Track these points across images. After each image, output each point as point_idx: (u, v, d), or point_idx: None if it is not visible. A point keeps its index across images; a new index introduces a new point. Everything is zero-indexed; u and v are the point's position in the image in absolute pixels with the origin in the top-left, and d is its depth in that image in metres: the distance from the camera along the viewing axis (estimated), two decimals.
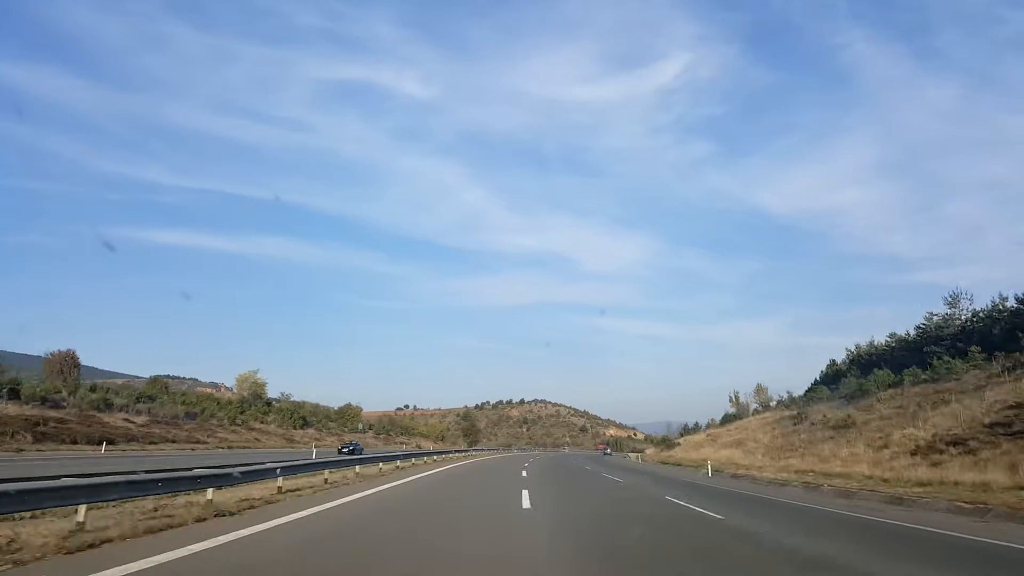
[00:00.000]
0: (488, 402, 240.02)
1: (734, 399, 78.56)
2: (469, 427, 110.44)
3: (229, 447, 44.38)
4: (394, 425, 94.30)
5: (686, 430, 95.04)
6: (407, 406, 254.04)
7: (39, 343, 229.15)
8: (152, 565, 5.59)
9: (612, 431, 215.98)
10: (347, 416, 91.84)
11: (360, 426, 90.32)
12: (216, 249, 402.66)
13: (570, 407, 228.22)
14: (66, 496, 7.06)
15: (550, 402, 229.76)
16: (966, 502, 13.42)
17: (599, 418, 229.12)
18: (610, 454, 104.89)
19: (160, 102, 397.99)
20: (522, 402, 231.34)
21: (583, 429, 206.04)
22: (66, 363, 47.76)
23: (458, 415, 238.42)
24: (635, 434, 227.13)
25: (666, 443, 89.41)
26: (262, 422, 64.54)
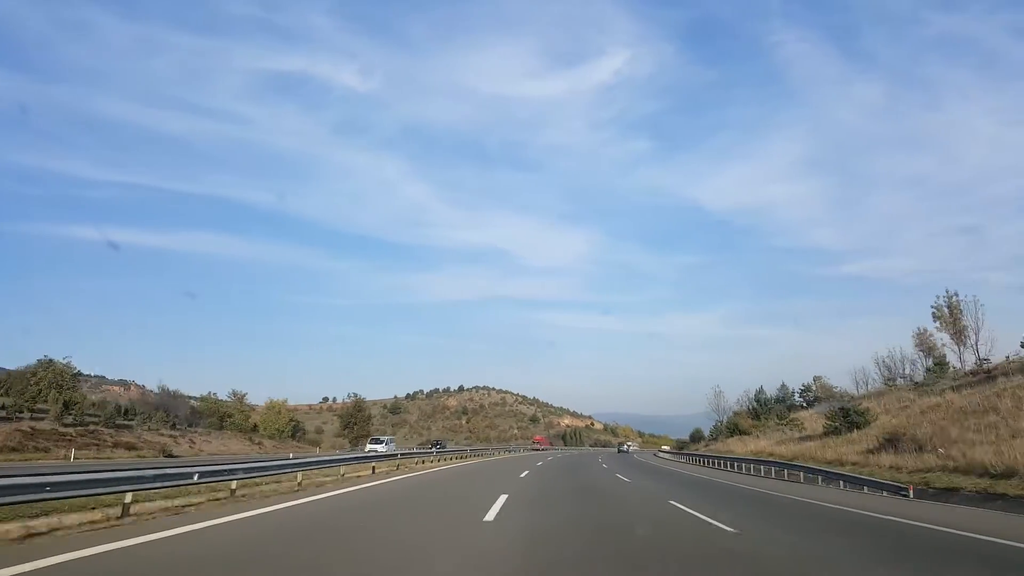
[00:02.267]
0: (422, 391, 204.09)
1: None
2: (355, 416, 73.97)
3: None
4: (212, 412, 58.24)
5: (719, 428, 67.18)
6: (326, 399, 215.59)
7: None
8: None
9: (567, 421, 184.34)
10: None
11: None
12: (145, 246, 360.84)
13: (518, 395, 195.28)
14: None
15: (495, 389, 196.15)
16: None
17: (551, 406, 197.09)
18: (626, 451, 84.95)
19: (83, 92, 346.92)
20: (461, 390, 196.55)
21: (534, 419, 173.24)
22: None
23: (384, 407, 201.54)
24: (592, 423, 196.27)
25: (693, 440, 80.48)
26: None
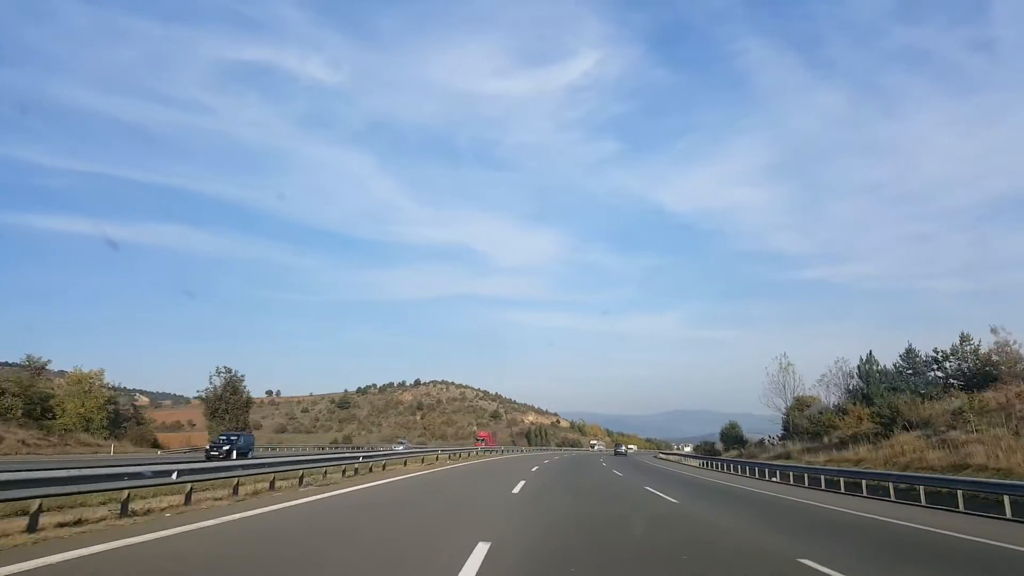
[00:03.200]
0: (374, 385, 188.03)
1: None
2: (226, 401, 53.42)
3: None
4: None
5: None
6: (271, 392, 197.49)
7: None
8: None
9: (532, 417, 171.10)
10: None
11: None
12: (105, 236, 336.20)
13: (479, 390, 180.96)
14: None
15: (453, 383, 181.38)
16: None
17: (515, 403, 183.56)
18: (624, 453, 73.04)
19: (42, 78, 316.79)
20: (417, 384, 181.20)
21: (495, 415, 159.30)
22: None
23: (332, 401, 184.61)
24: (558, 421, 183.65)
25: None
26: None
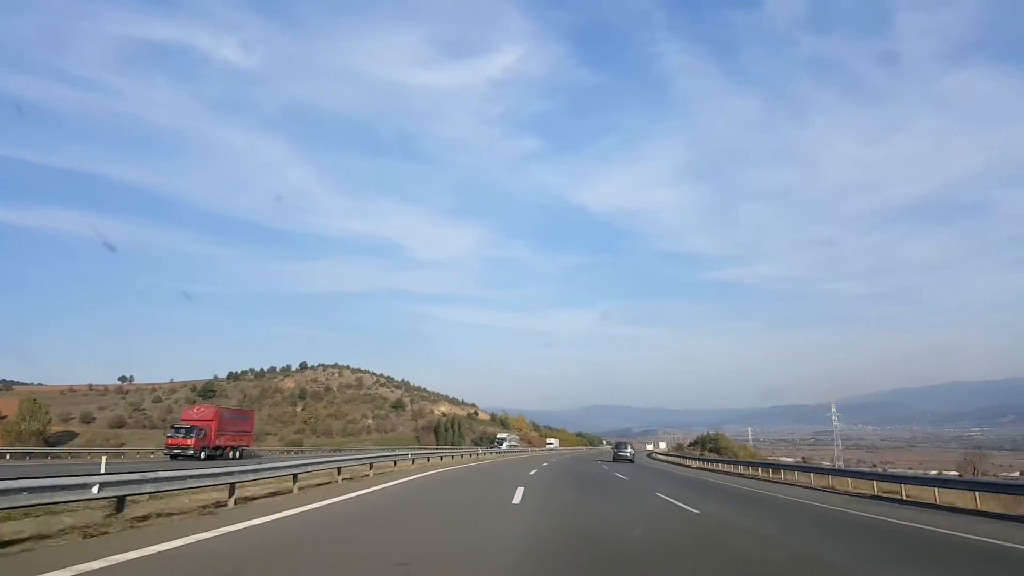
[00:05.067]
0: (251, 370, 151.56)
1: None
2: None
3: None
4: None
5: None
6: (124, 378, 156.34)
7: None
8: None
9: (444, 408, 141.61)
10: None
11: None
12: None
13: (379, 375, 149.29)
14: None
15: (348, 367, 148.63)
16: None
17: (425, 391, 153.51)
18: (629, 457, 48.43)
19: None
20: (303, 368, 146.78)
21: (398, 405, 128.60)
22: None
23: (193, 389, 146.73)
24: (476, 412, 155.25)
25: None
26: None
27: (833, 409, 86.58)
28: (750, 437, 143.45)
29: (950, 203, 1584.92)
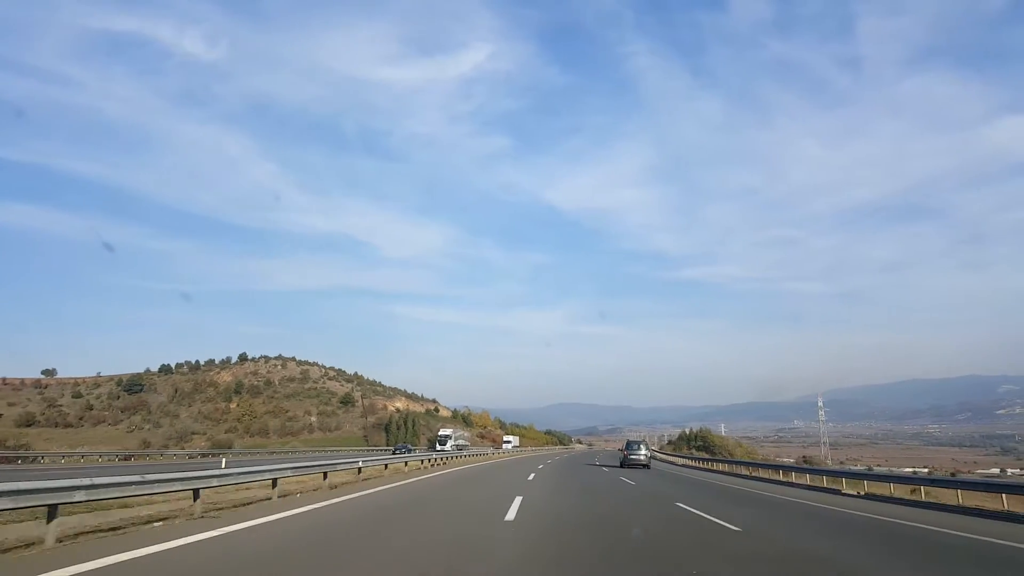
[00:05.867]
0: (186, 363, 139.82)
1: None
2: None
3: None
4: None
5: None
6: (48, 371, 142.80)
7: None
8: None
9: (400, 403, 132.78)
10: None
11: None
12: None
13: (329, 368, 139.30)
14: None
15: (294, 359, 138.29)
16: None
17: (380, 385, 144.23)
18: (647, 462, 36.81)
19: None
20: (243, 360, 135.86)
21: (347, 400, 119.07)
22: None
23: (118, 383, 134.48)
24: (437, 408, 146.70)
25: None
26: None
27: (820, 403, 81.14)
28: (723, 433, 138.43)
29: (908, 205, 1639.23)
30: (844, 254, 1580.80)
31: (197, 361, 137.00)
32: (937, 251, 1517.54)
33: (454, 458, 39.75)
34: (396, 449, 65.70)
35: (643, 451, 35.73)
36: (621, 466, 35.08)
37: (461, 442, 76.37)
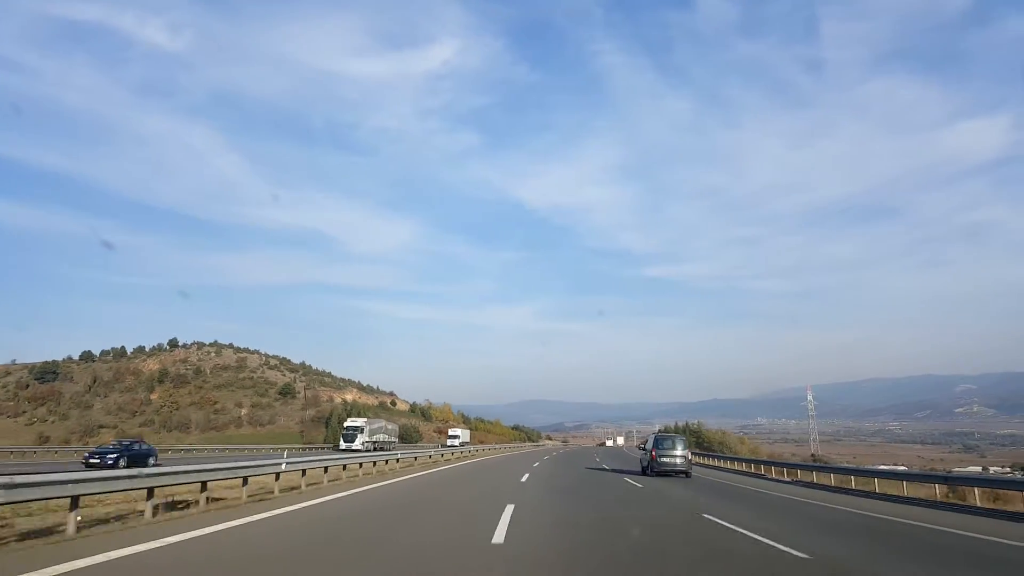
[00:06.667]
0: (112, 349, 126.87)
1: None
2: None
3: None
4: None
5: None
6: None
7: None
8: None
9: (350, 396, 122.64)
10: None
11: None
12: None
13: (272, 356, 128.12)
14: None
15: (231, 346, 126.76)
16: None
17: (329, 376, 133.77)
18: (681, 463, 24.21)
19: None
20: (174, 346, 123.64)
21: (287, 391, 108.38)
22: None
23: (31, 370, 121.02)
24: (394, 402, 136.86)
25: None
26: None
27: (809, 397, 74.77)
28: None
29: (869, 206, 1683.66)
30: (806, 253, 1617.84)
31: (123, 348, 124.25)
32: (896, 251, 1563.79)
33: (391, 462, 25.93)
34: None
35: (680, 451, 24.60)
36: (645, 472, 24.83)
37: (382, 437, 61.47)
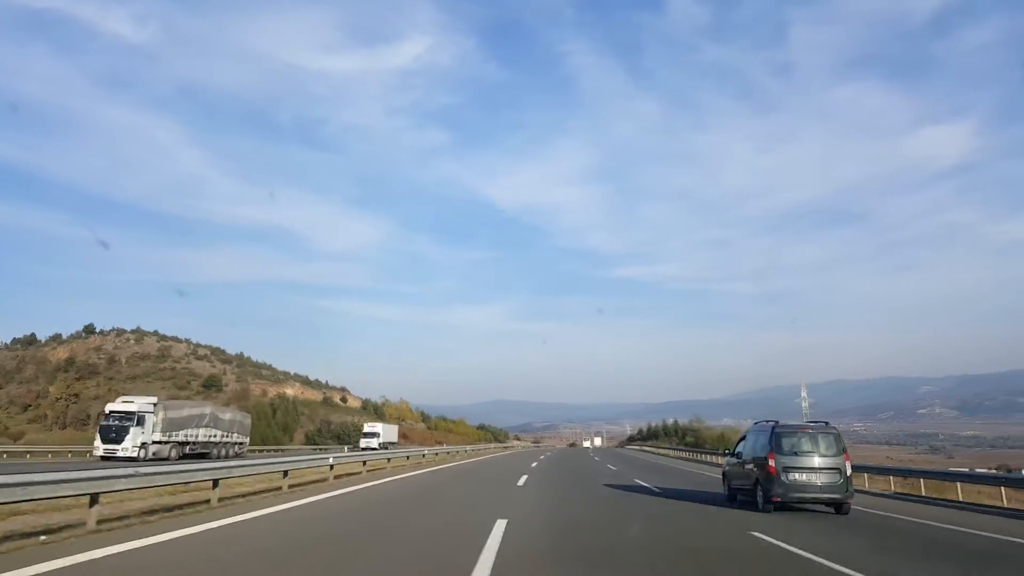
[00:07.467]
0: (22, 336, 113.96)
1: None
2: None
3: None
4: None
5: None
6: None
7: None
8: None
9: (291, 390, 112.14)
10: None
11: None
12: None
13: (200, 345, 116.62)
14: None
15: (155, 333, 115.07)
16: None
17: (268, 368, 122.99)
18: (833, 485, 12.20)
19: None
20: (89, 332, 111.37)
21: (213, 383, 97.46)
22: None
23: None
24: (346, 399, 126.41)
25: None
26: None
27: (803, 394, 68.06)
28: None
29: (835, 210, 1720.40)
30: (774, 256, 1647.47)
31: (33, 335, 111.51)
32: (862, 255, 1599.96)
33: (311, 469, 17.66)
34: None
35: (832, 458, 12.48)
36: (733, 500, 14.47)
37: (219, 435, 38.68)
